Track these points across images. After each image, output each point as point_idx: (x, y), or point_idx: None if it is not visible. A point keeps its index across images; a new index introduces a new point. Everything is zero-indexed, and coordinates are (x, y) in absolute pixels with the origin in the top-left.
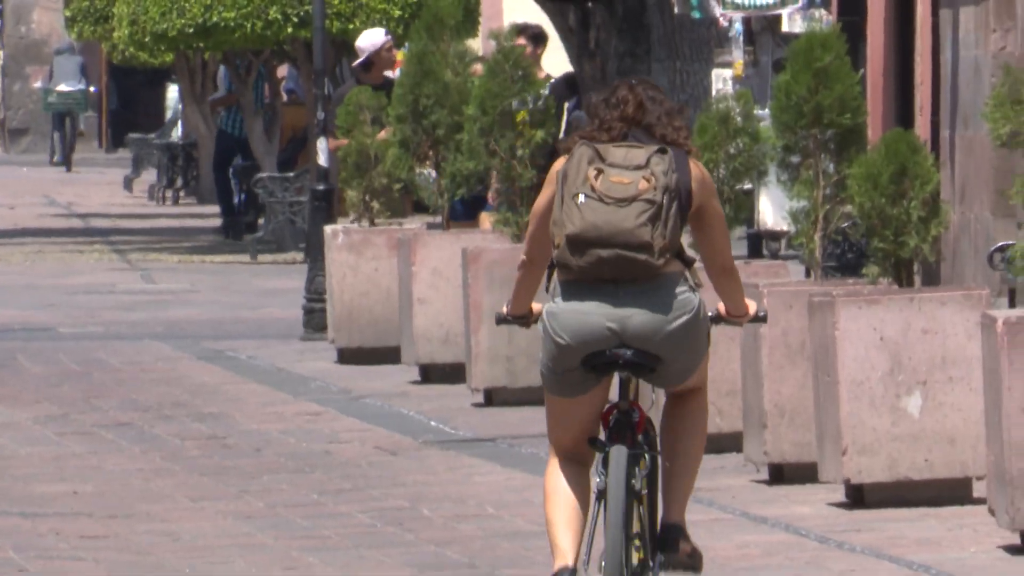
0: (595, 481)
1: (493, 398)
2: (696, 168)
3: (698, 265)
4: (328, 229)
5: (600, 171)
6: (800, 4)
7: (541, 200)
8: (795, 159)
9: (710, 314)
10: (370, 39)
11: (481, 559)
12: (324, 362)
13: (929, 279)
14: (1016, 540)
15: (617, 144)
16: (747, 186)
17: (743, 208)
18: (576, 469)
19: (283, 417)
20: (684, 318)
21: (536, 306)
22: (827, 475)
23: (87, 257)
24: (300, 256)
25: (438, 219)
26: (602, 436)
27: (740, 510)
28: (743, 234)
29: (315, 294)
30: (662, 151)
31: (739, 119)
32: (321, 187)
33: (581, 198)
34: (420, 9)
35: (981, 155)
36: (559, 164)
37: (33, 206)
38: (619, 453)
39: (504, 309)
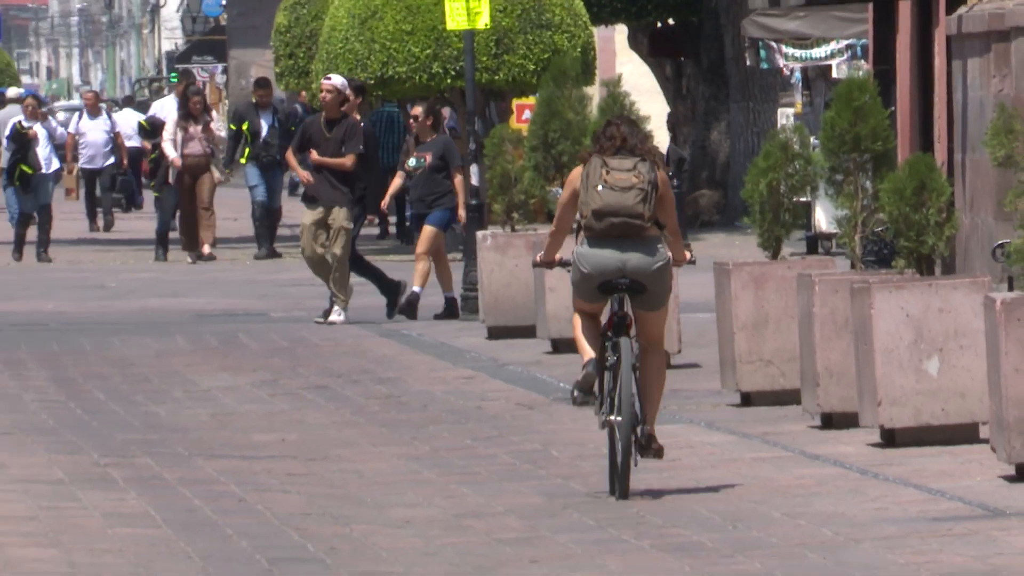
0: (609, 360)
1: None
2: (659, 172)
3: None
4: (479, 234)
5: (608, 170)
6: (846, 56)
7: (564, 195)
8: (839, 177)
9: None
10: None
11: (598, 488)
12: (477, 338)
13: (945, 270)
14: (1011, 471)
15: (612, 156)
16: (804, 199)
17: (800, 216)
18: (591, 319)
19: (444, 380)
20: (661, 262)
21: (558, 255)
22: (866, 422)
23: (294, 258)
24: (458, 256)
25: None
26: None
27: (799, 449)
28: (802, 236)
29: (470, 285)
30: (643, 159)
31: (796, 146)
32: (474, 202)
33: (600, 187)
34: (549, 63)
35: (985, 173)
36: (576, 174)
37: (247, 219)
38: (626, 342)
39: (538, 258)
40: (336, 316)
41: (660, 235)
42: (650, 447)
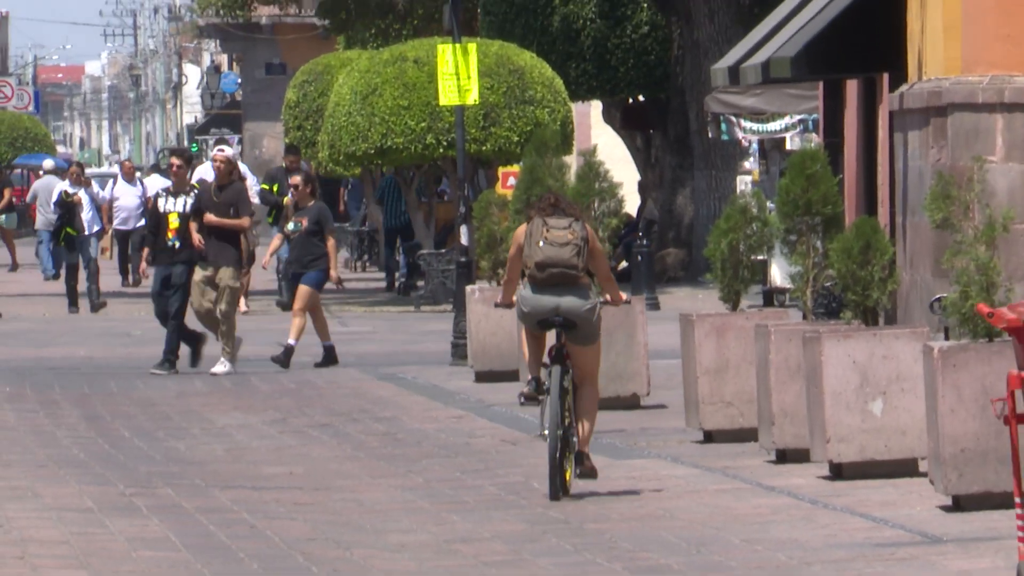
0: (546, 384)
1: None
2: (588, 229)
3: None
4: (468, 288)
5: (548, 229)
6: (798, 130)
7: (512, 251)
8: (793, 238)
9: (599, 301)
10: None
11: (573, 517)
12: (465, 381)
13: (888, 321)
14: (948, 502)
15: (549, 216)
16: (761, 257)
17: (757, 272)
18: (535, 339)
19: (436, 419)
20: (590, 304)
21: (513, 298)
22: (816, 457)
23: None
24: (449, 307)
25: None
26: (546, 360)
27: (756, 481)
28: (759, 290)
29: (459, 333)
30: (576, 220)
31: (754, 210)
32: (464, 259)
33: (541, 243)
34: (532, 135)
35: (924, 234)
36: (520, 231)
37: (262, 274)
38: (556, 370)
39: (498, 300)
40: (220, 367)
41: (591, 282)
42: (583, 464)
